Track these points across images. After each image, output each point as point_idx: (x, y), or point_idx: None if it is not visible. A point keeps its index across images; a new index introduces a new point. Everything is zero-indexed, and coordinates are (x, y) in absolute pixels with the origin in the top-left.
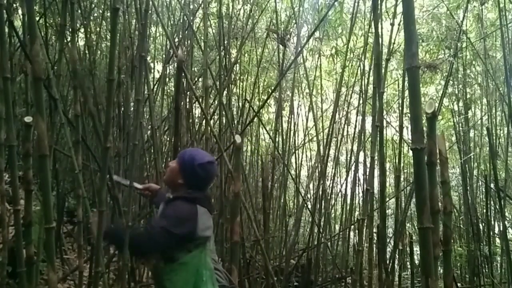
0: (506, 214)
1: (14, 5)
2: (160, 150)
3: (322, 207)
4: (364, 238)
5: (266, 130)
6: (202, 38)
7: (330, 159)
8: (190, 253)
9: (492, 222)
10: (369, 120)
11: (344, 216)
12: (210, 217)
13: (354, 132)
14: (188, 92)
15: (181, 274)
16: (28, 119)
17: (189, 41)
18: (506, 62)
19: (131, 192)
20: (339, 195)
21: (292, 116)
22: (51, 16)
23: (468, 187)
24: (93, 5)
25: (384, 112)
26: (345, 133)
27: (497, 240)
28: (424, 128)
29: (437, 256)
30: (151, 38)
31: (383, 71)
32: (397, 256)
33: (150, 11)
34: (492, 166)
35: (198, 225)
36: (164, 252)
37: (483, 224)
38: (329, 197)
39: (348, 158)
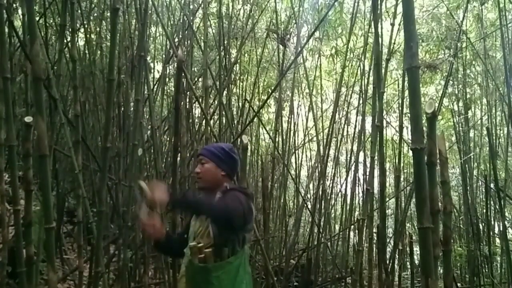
0: (506, 214)
1: (14, 5)
2: (160, 150)
3: (322, 207)
4: (364, 238)
5: (266, 130)
6: (202, 38)
7: (330, 159)
8: (235, 253)
9: (492, 222)
10: (369, 120)
11: (344, 216)
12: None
13: (354, 132)
14: (188, 92)
15: (227, 273)
16: (28, 119)
17: (189, 41)
18: (506, 62)
19: (131, 192)
20: (339, 195)
21: (292, 116)
22: (51, 16)
23: (468, 187)
24: (93, 5)
25: (384, 112)
26: (345, 133)
27: (497, 240)
28: (424, 128)
29: (437, 256)
30: (151, 38)
31: (383, 71)
32: (397, 256)
33: (150, 11)
34: (492, 166)
35: (251, 220)
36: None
37: (483, 224)
38: (329, 197)
39: (348, 158)
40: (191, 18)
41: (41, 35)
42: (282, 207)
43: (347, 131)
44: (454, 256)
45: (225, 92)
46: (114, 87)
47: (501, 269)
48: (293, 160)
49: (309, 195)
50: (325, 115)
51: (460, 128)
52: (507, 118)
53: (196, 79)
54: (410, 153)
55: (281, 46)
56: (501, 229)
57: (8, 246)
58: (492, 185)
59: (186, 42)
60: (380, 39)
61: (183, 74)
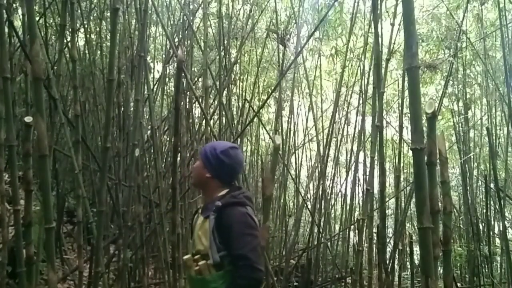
0: (506, 214)
1: (14, 5)
2: (160, 150)
3: (322, 207)
4: (364, 238)
5: (266, 130)
6: (202, 38)
7: (330, 159)
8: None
9: (492, 222)
10: (369, 120)
11: (344, 216)
12: (256, 216)
13: (354, 132)
14: (188, 92)
15: (226, 281)
16: (28, 119)
17: (189, 41)
18: (506, 62)
19: (131, 192)
20: (339, 195)
21: (292, 116)
22: (51, 16)
23: (468, 187)
24: (93, 5)
25: (384, 112)
26: (345, 133)
27: (497, 240)
28: (424, 128)
29: (437, 256)
30: (151, 38)
31: (383, 71)
32: (397, 256)
33: (150, 11)
34: (492, 166)
35: (258, 228)
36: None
37: (483, 224)
38: (329, 197)
39: (348, 158)
40: (191, 18)
41: (41, 35)
42: (282, 207)
43: (347, 131)
44: (454, 256)
45: (225, 92)
46: (114, 87)
47: (501, 269)
48: (293, 160)
49: (309, 195)
50: (325, 115)
51: (460, 128)
52: (507, 118)
53: (196, 79)
54: (410, 153)
55: (281, 46)
56: (501, 229)
57: (8, 246)
58: (492, 185)
59: (186, 42)
60: (380, 39)
61: (183, 74)
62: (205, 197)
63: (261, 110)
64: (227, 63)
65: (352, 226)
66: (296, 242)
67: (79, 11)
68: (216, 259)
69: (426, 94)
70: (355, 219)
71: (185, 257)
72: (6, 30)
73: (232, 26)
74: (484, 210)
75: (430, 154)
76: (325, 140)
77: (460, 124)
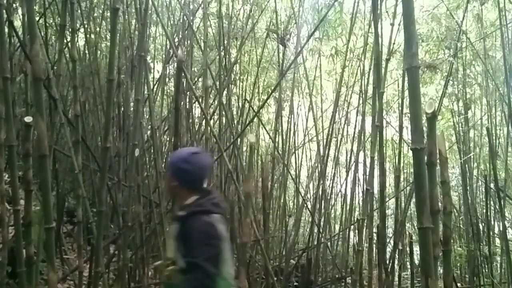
0: (506, 214)
1: (14, 5)
2: (160, 150)
3: (322, 207)
4: (364, 238)
5: (266, 130)
6: (202, 38)
7: (330, 159)
8: None
9: (492, 222)
10: (369, 120)
11: (344, 216)
12: (224, 223)
13: (354, 132)
14: (188, 92)
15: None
16: (28, 119)
17: (189, 41)
18: (506, 62)
19: (131, 192)
20: (339, 195)
21: (292, 116)
22: (51, 16)
23: (468, 187)
24: (93, 5)
25: (384, 112)
26: (345, 133)
27: (497, 240)
28: (424, 128)
29: (437, 256)
30: (151, 38)
31: (383, 71)
32: (397, 256)
33: (150, 11)
34: (492, 166)
35: (221, 237)
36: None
37: (483, 224)
38: (329, 197)
39: (348, 158)
40: (191, 18)
41: (41, 35)
42: (282, 207)
43: (347, 131)
44: (454, 256)
45: (225, 92)
46: (114, 87)
47: (501, 269)
48: (293, 160)
49: (309, 195)
50: (325, 115)
51: (460, 128)
52: (507, 118)
53: (196, 79)
54: (410, 153)
55: (281, 46)
56: (501, 229)
57: (8, 246)
58: (492, 185)
59: (186, 42)
60: (380, 39)
61: (183, 74)
62: (177, 204)
63: (261, 110)
64: (227, 63)
65: (352, 226)
66: (296, 242)
67: (79, 11)
68: (181, 265)
69: (426, 94)
70: (355, 219)
71: (156, 263)
72: (6, 30)
73: (232, 26)
74: (484, 210)
75: (430, 154)
76: (325, 140)
77: (460, 124)
